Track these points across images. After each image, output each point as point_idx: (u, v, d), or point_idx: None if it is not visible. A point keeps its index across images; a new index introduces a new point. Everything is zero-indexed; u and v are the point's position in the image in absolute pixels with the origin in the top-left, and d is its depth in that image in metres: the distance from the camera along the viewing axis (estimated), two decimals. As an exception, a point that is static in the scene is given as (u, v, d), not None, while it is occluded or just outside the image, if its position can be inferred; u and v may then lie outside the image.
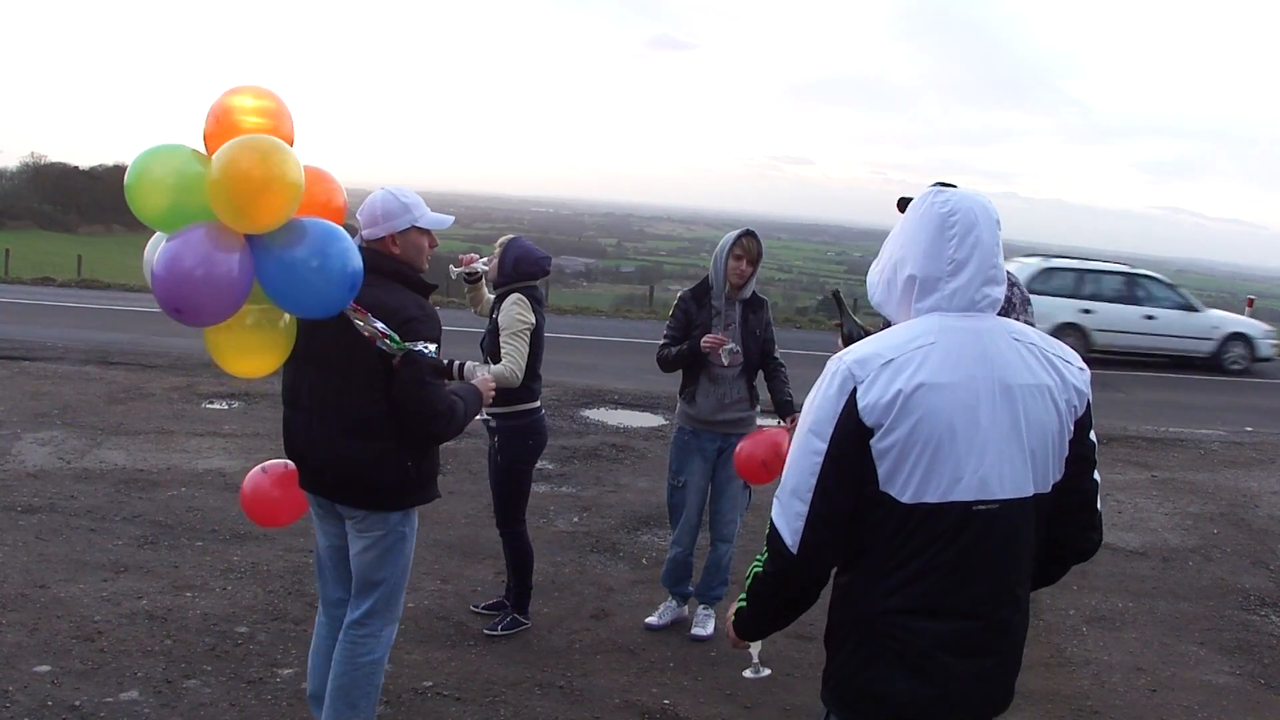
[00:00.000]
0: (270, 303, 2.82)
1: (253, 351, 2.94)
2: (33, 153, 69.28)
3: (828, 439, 1.87)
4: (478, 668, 4.14)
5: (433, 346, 2.98)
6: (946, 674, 1.89)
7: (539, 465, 7.15)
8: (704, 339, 4.34)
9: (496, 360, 4.17)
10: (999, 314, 1.96)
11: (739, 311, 4.48)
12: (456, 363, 3.84)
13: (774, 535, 1.93)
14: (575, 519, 6.17)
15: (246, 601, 4.63)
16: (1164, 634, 4.97)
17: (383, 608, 3.17)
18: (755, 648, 2.27)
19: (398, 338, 2.91)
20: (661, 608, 4.70)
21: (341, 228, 2.85)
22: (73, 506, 5.77)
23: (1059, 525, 2.01)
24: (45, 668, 3.87)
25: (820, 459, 1.87)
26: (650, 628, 4.61)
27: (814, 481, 1.88)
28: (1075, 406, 1.95)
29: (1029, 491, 1.90)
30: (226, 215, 2.64)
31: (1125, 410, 11.60)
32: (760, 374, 4.60)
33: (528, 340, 4.21)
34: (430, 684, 3.96)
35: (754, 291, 4.54)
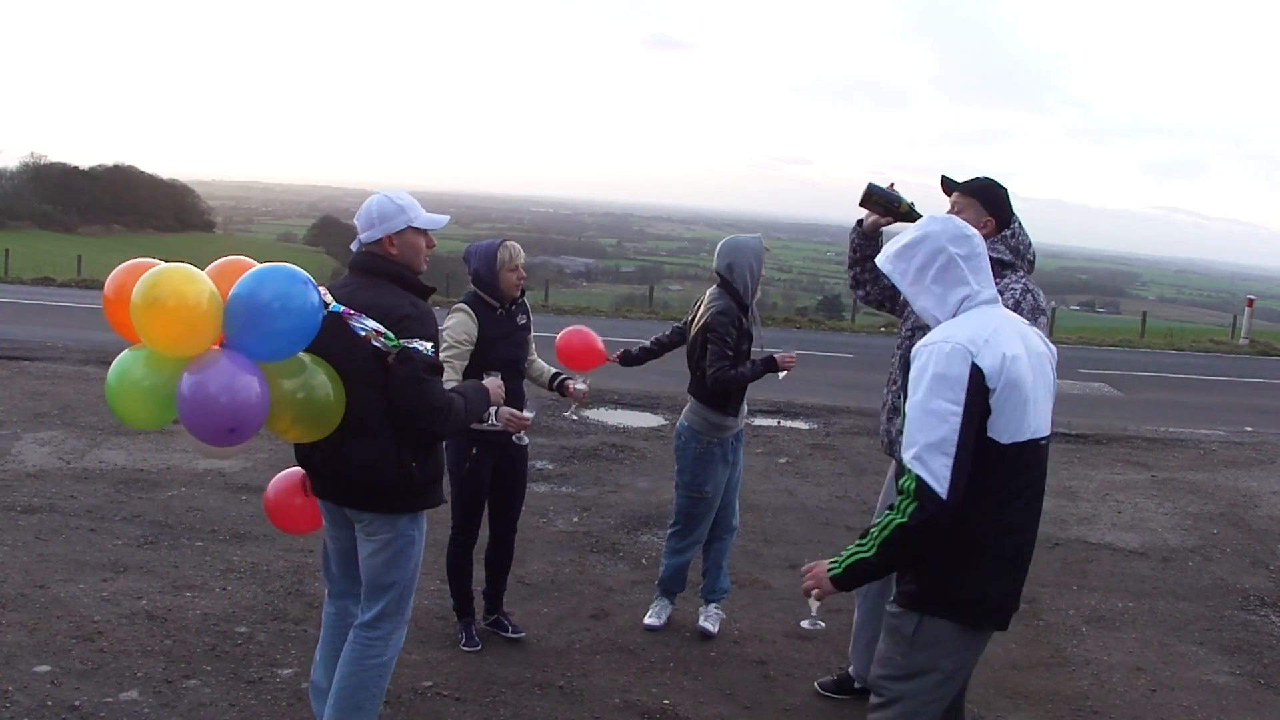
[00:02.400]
0: (285, 370, 2.89)
1: (314, 416, 2.96)
2: (33, 153, 69.42)
3: (961, 402, 2.39)
4: (478, 668, 4.14)
5: (429, 345, 2.99)
6: (1016, 575, 2.57)
7: (540, 465, 7.17)
8: (782, 357, 4.34)
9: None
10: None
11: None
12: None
13: (923, 488, 2.39)
14: (575, 519, 6.17)
15: (246, 601, 4.63)
16: (1164, 634, 4.97)
17: (394, 610, 3.17)
18: (815, 602, 2.63)
19: (392, 335, 2.92)
20: (656, 607, 4.70)
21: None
22: (73, 506, 5.77)
23: None
24: (45, 668, 3.87)
25: (958, 419, 2.38)
26: (650, 628, 4.61)
27: (956, 437, 2.38)
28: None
29: (1049, 430, 2.58)
30: (179, 344, 2.77)
31: (1125, 410, 11.60)
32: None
33: None
34: (430, 684, 3.96)
35: None
